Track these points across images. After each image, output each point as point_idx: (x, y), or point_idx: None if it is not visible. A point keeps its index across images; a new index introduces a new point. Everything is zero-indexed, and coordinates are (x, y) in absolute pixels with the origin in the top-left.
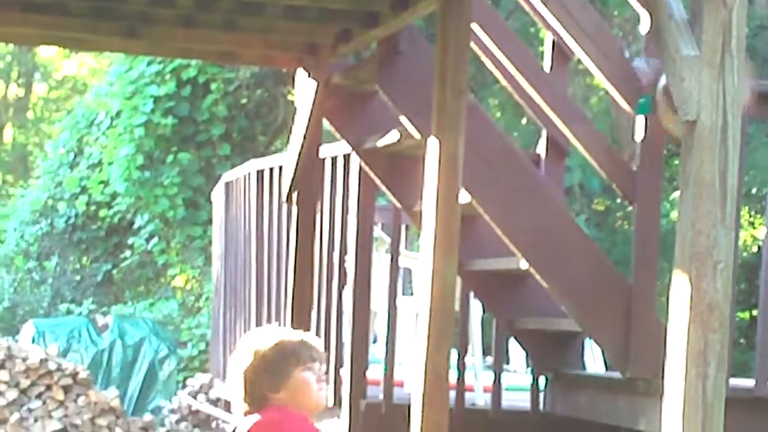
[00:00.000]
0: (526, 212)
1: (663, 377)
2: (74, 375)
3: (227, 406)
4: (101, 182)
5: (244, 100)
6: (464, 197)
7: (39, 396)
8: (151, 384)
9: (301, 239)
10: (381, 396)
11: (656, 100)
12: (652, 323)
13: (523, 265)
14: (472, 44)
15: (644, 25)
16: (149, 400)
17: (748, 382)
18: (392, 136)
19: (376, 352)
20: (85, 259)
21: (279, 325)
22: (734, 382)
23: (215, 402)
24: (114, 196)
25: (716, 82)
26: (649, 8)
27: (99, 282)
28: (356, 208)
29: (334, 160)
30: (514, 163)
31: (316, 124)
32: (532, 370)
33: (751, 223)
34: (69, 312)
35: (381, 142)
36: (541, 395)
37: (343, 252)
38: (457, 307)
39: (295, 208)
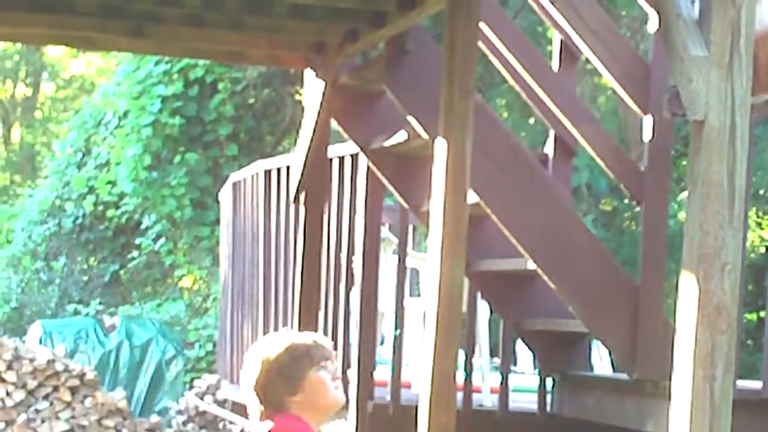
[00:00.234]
0: (533, 213)
1: (670, 379)
2: (81, 376)
3: (234, 408)
4: (109, 182)
5: (251, 100)
6: (472, 197)
7: (46, 397)
8: (158, 385)
9: (308, 240)
10: (388, 397)
11: None
12: (659, 324)
13: (531, 265)
14: (480, 44)
15: (652, 25)
16: (156, 401)
17: (756, 384)
18: (400, 136)
19: (384, 353)
20: (92, 259)
21: (286, 326)
22: (742, 383)
23: (222, 403)
24: (121, 196)
25: (724, 82)
26: (658, 7)
27: (106, 282)
28: (364, 209)
29: (341, 160)
30: (521, 164)
31: (323, 124)
32: (539, 372)
33: (759, 224)
34: (76, 312)
35: (388, 143)
36: (549, 396)
37: (350, 252)
38: (464, 308)
39: (302, 209)
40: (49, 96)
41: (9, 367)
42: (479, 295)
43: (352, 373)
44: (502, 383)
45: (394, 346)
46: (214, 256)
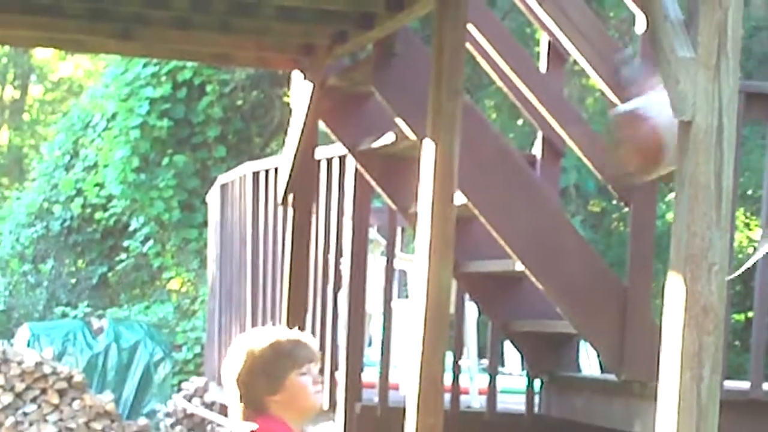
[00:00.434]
0: (521, 214)
1: (658, 380)
2: (69, 378)
3: (222, 410)
4: (96, 184)
5: (239, 102)
6: (459, 199)
7: (34, 400)
8: (146, 387)
9: (296, 241)
10: (376, 399)
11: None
12: (647, 325)
13: (519, 267)
14: (468, 45)
15: (640, 26)
16: (144, 404)
17: (743, 385)
18: (388, 138)
19: (372, 354)
20: (80, 261)
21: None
22: (729, 384)
23: (210, 405)
24: (109, 198)
25: (711, 83)
26: (645, 9)
27: (94, 285)
28: (352, 210)
29: (329, 161)
30: (509, 165)
31: (311, 126)
32: (527, 373)
33: (747, 225)
34: (64, 315)
35: (376, 144)
36: (537, 398)
37: (338, 254)
38: (452, 309)
39: (290, 210)
40: (37, 98)
41: None
42: (467, 296)
43: (340, 375)
44: (490, 384)
45: (382, 348)
46: (202, 259)
